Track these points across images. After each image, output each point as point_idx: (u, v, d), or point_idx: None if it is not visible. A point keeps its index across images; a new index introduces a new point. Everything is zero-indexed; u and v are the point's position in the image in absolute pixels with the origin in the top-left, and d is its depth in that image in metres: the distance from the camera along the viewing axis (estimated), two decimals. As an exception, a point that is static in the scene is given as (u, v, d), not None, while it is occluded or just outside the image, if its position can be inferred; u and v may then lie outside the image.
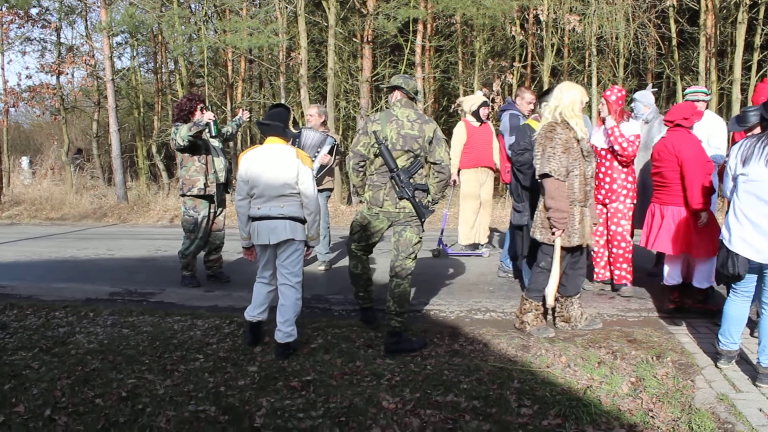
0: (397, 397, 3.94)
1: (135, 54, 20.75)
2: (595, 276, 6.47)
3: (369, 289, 5.37)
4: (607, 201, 6.10)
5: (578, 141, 4.95)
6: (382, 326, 5.17)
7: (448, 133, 8.34)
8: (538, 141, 4.99)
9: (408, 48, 16.75)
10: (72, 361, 4.63)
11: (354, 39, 17.21)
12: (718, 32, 15.30)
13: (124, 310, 6.05)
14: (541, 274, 5.13)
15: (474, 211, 8.46)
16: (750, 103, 13.30)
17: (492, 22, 15.59)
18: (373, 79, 16.40)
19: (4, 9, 17.54)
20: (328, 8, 15.21)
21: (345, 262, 8.21)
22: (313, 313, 5.96)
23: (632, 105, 6.81)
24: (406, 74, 5.81)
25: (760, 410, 3.78)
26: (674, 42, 16.19)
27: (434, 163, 4.87)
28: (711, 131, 6.31)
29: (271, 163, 4.64)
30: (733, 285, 4.33)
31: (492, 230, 9.07)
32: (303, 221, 4.72)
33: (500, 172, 8.11)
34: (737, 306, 4.35)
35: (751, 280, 4.24)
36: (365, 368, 4.43)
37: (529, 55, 17.09)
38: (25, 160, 21.51)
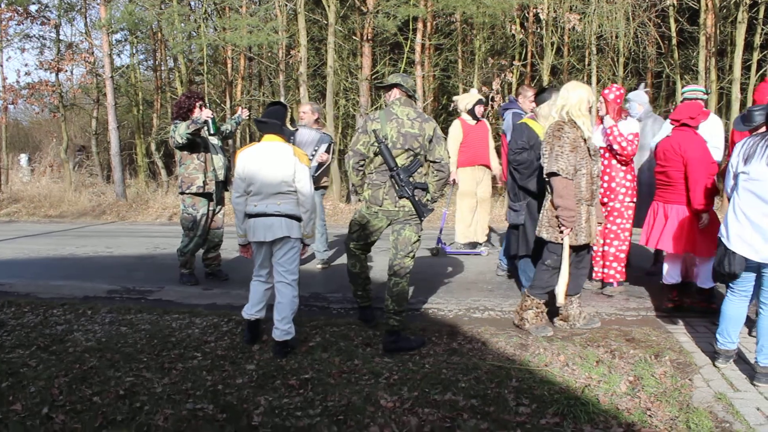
0: (395, 396, 3.94)
1: (134, 51, 20.74)
2: (594, 275, 6.47)
3: (367, 288, 5.36)
4: (605, 200, 6.10)
5: (585, 140, 4.96)
6: (380, 325, 5.17)
7: (448, 132, 8.32)
8: (545, 140, 4.99)
9: (408, 46, 16.73)
10: (70, 359, 4.62)
11: (354, 37, 17.19)
12: (717, 31, 15.27)
13: (123, 307, 6.05)
14: (546, 272, 5.12)
15: (470, 210, 8.45)
16: (749, 103, 13.31)
17: (492, 21, 15.56)
18: (373, 77, 16.38)
19: (3, 6, 17.51)
20: (328, 6, 15.19)
21: (343, 260, 8.19)
22: (312, 311, 5.96)
23: (627, 105, 6.81)
24: (403, 73, 5.80)
25: (758, 409, 3.79)
26: (674, 41, 16.16)
27: (434, 162, 4.87)
28: (710, 131, 6.31)
29: (268, 160, 4.64)
30: (731, 284, 4.33)
31: (490, 229, 9.05)
32: (299, 219, 4.71)
33: (502, 170, 8.11)
34: (735, 305, 4.35)
35: (749, 279, 4.23)
36: (363, 367, 4.43)
37: (529, 54, 17.07)
38: (23, 158, 21.46)
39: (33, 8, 18.40)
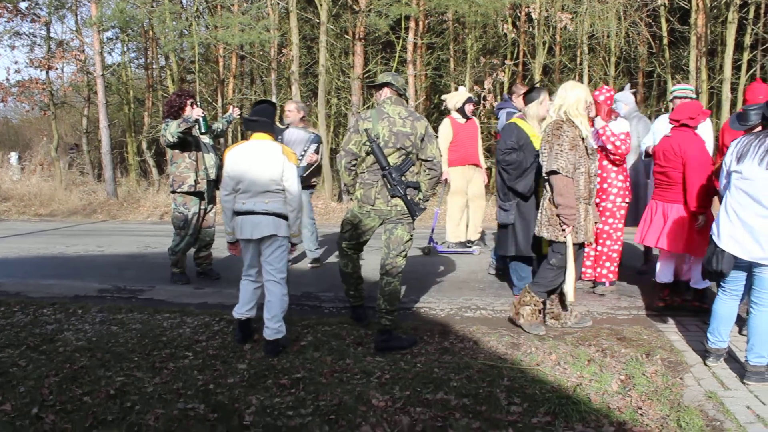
0: (386, 395, 3.94)
1: (125, 49, 20.63)
2: (582, 275, 6.48)
3: (359, 287, 5.36)
4: (597, 200, 6.11)
5: (583, 139, 4.97)
6: (372, 324, 5.17)
7: (438, 131, 8.32)
8: (544, 139, 5.00)
9: (400, 45, 16.73)
10: (60, 359, 4.60)
11: (346, 36, 17.18)
12: (708, 31, 15.35)
13: (113, 307, 6.02)
14: (551, 271, 5.11)
15: (460, 209, 8.44)
16: (740, 103, 13.37)
17: (484, 20, 15.59)
18: (365, 76, 16.38)
19: (-7, 3, 17.42)
20: (320, 5, 15.17)
21: (335, 259, 8.20)
22: (303, 310, 5.96)
23: (614, 105, 6.83)
24: (394, 72, 5.79)
25: (748, 408, 3.81)
26: (665, 41, 16.23)
27: (426, 160, 4.87)
28: (699, 130, 6.33)
29: (257, 159, 4.64)
30: (722, 283, 4.35)
31: (484, 228, 9.05)
32: (287, 218, 4.71)
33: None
34: (726, 304, 4.37)
35: (740, 278, 4.25)
36: (355, 366, 4.42)
37: (521, 53, 17.10)
38: (13, 156, 21.32)
39: (23, 5, 18.34)
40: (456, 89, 8.89)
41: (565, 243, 4.99)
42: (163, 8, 15.99)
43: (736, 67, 15.05)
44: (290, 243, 4.87)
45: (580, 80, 16.29)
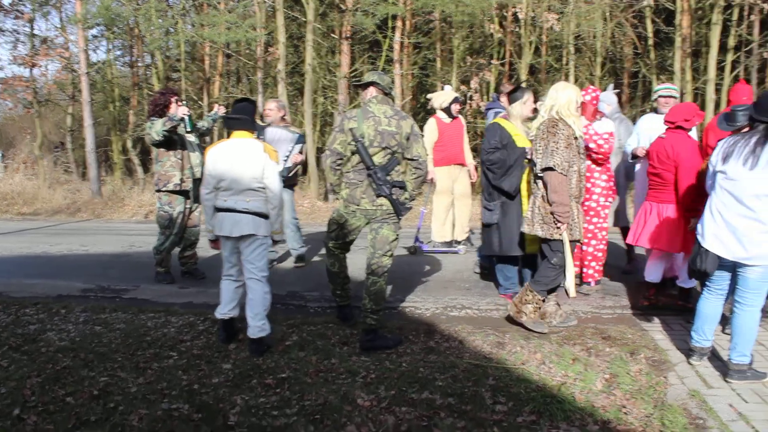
0: (372, 395, 3.94)
1: (111, 47, 20.47)
2: None
3: (346, 287, 5.35)
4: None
5: (576, 139, 5.00)
6: (357, 323, 5.16)
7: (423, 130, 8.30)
8: (539, 136, 5.01)
9: (386, 44, 16.72)
10: (42, 359, 4.56)
11: (332, 35, 17.13)
12: (693, 33, 15.46)
13: (97, 306, 5.98)
14: (552, 270, 5.12)
15: (446, 208, 8.43)
16: (724, 104, 13.48)
17: (471, 20, 15.60)
18: (351, 75, 16.36)
19: (-26, -1, 17.25)
20: (307, 3, 15.14)
21: (319, 258, 8.19)
22: (289, 309, 5.94)
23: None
24: (380, 71, 5.78)
25: (731, 406, 3.84)
26: (650, 41, 16.32)
27: (411, 159, 4.86)
28: None
29: (238, 157, 4.64)
30: (707, 282, 4.39)
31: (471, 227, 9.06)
32: (266, 217, 4.71)
33: (475, 167, 8.11)
34: (711, 303, 4.40)
35: (725, 278, 4.29)
36: (340, 366, 4.42)
37: (507, 53, 17.13)
38: (-3, 154, 21.19)
39: (6, 1, 18.17)
40: (442, 89, 8.88)
41: (560, 241, 5.01)
42: (149, 6, 15.90)
43: (720, 68, 15.16)
44: (272, 240, 4.87)
45: (566, 80, 16.35)
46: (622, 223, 7.00)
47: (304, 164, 7.51)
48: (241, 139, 4.75)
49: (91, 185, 16.30)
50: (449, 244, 8.63)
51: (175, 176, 6.66)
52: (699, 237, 4.25)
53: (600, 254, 6.27)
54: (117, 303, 6.20)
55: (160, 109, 6.64)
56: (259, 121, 5.49)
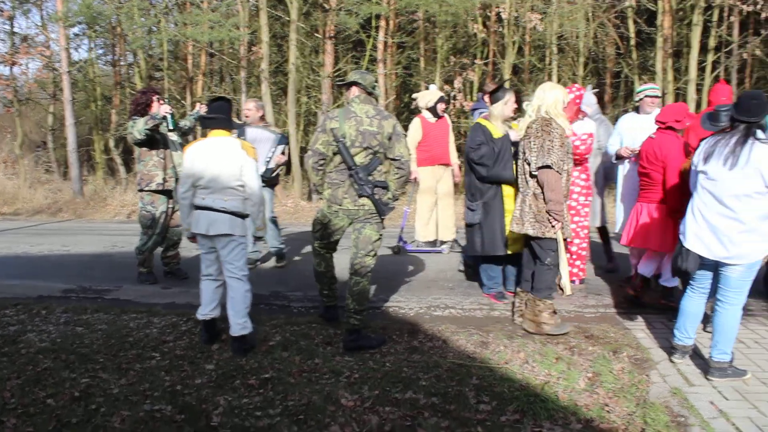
0: (355, 395, 3.93)
1: (92, 46, 20.29)
2: None
3: (333, 287, 5.34)
4: None
5: (566, 138, 5.03)
6: (341, 323, 5.15)
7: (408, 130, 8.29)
8: (533, 135, 5.00)
9: (370, 44, 16.72)
10: (22, 361, 4.51)
11: (316, 34, 17.10)
12: (674, 33, 15.59)
13: (78, 307, 5.92)
14: (549, 272, 5.13)
15: (429, 208, 8.43)
16: (704, 104, 13.60)
17: (454, 20, 15.64)
18: (335, 74, 16.33)
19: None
20: (290, 2, 15.09)
21: (301, 258, 8.17)
22: (272, 309, 5.92)
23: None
24: (363, 70, 5.76)
25: (711, 403, 3.88)
26: (632, 42, 16.45)
27: (394, 159, 4.85)
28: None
29: (216, 155, 4.63)
30: (690, 281, 4.42)
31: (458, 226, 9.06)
32: (243, 216, 4.69)
33: (459, 166, 8.11)
34: (694, 301, 4.44)
35: (707, 276, 4.32)
36: (324, 366, 4.41)
37: (491, 53, 17.19)
38: (-24, 153, 20.92)
39: (-15, -1, 17.94)
40: (426, 88, 8.88)
41: (554, 240, 5.03)
42: (131, 4, 15.78)
43: (701, 69, 15.31)
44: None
45: (549, 80, 16.43)
46: (600, 222, 7.03)
47: (288, 164, 7.45)
48: (218, 137, 4.73)
49: (73, 185, 16.15)
50: (433, 243, 8.64)
51: (158, 176, 6.62)
52: (681, 237, 4.29)
53: (584, 252, 6.32)
54: (99, 303, 6.15)
55: (141, 108, 6.60)
56: (235, 119, 5.46)
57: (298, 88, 16.75)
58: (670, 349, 4.60)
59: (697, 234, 4.16)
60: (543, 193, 5.00)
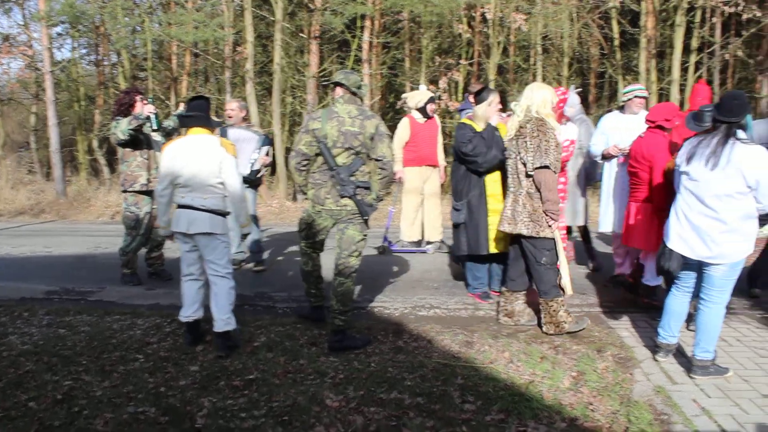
0: (340, 395, 3.93)
1: (76, 45, 20.11)
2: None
3: (320, 287, 5.33)
4: None
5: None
6: (326, 324, 5.14)
7: (395, 130, 8.27)
8: (529, 135, 4.99)
9: (355, 44, 16.69)
10: (4, 364, 4.47)
11: (301, 34, 17.06)
12: (658, 34, 15.70)
13: (61, 309, 5.88)
14: (549, 271, 5.13)
15: (415, 208, 8.43)
16: (687, 104, 13.70)
17: (439, 20, 15.64)
18: (320, 74, 16.31)
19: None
20: (275, 2, 15.04)
21: (285, 259, 8.15)
22: (257, 310, 5.90)
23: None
24: (348, 70, 5.75)
25: (694, 401, 3.92)
26: (616, 42, 16.54)
27: (377, 160, 4.84)
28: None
29: (195, 154, 4.62)
30: (675, 280, 4.45)
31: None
32: (224, 215, 4.68)
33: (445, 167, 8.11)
34: (678, 300, 4.47)
35: (691, 276, 4.36)
36: (309, 366, 4.40)
37: (476, 53, 17.22)
38: (-43, 154, 20.69)
39: (-34, -2, 17.75)
40: (411, 89, 8.87)
41: (551, 239, 5.05)
42: (115, 3, 15.63)
43: (684, 69, 15.41)
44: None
45: (534, 80, 16.49)
46: (583, 221, 7.05)
47: (273, 164, 7.42)
48: (197, 135, 4.71)
49: (56, 185, 16.02)
50: (418, 243, 8.64)
51: (142, 176, 6.59)
52: (664, 237, 4.32)
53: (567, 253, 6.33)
54: (82, 305, 6.10)
55: (125, 108, 6.57)
56: (215, 118, 5.44)
57: (283, 88, 16.70)
58: (654, 348, 4.64)
59: (680, 234, 4.19)
60: (540, 192, 5.01)
